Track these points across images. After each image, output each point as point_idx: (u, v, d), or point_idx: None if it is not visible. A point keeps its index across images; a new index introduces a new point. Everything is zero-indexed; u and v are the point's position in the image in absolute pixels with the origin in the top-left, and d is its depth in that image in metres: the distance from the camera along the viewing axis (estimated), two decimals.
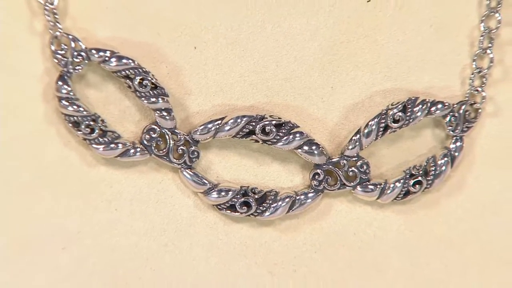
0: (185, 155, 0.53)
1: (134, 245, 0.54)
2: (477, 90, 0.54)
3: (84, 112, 0.52)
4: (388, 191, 0.54)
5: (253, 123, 0.52)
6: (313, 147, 0.53)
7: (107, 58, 0.51)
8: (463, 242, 0.56)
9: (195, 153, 0.53)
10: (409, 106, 0.53)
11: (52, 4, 0.51)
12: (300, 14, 0.54)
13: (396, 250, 0.56)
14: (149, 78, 0.52)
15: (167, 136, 0.53)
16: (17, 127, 0.52)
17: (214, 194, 0.53)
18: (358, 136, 0.53)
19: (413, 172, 0.54)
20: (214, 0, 0.55)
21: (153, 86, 0.52)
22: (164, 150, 0.53)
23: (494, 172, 0.56)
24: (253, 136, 0.53)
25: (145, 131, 0.53)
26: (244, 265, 0.55)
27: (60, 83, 0.51)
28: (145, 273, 0.54)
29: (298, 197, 0.54)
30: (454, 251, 0.56)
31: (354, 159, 0.54)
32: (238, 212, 0.54)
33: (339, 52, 0.54)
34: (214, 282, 0.56)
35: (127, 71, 0.51)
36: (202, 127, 0.52)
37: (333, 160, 0.54)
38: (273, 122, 0.52)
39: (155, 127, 0.53)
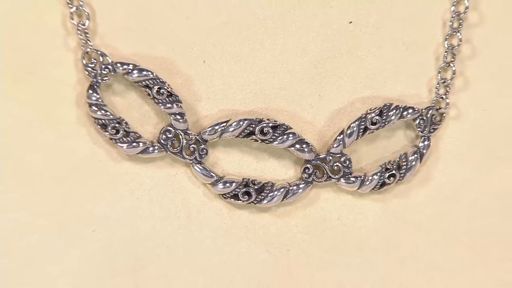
0: (195, 152, 0.56)
1: (153, 228, 0.57)
2: (442, 98, 0.57)
3: (111, 116, 0.55)
4: (367, 183, 0.57)
5: (253, 125, 0.55)
6: (304, 146, 0.56)
7: (130, 70, 0.54)
8: (429, 225, 0.58)
9: (204, 150, 0.56)
10: (385, 111, 0.56)
11: (83, 25, 0.54)
12: (293, 34, 0.56)
13: (373, 232, 0.58)
14: (165, 87, 0.54)
15: (180, 136, 0.55)
16: (55, 128, 0.55)
17: (220, 185, 0.56)
18: (341, 136, 0.56)
19: (388, 167, 0.57)
20: (220, 22, 0.56)
21: (168, 94, 0.54)
22: (178, 148, 0.55)
23: (455, 166, 0.58)
24: (253, 136, 0.55)
25: (162, 132, 0.55)
26: (245, 245, 0.58)
27: (90, 91, 0.54)
28: (162, 251, 0.57)
29: (291, 188, 0.57)
30: (422, 233, 0.58)
31: (338, 155, 0.56)
32: (240, 200, 0.56)
33: (325, 66, 0.56)
34: (219, 259, 0.57)
35: (146, 81, 0.54)
36: (210, 128, 0.55)
37: (320, 156, 0.56)
38: (270, 124, 0.55)
39: (171, 128, 0.55)
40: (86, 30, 0.54)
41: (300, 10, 0.55)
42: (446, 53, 0.57)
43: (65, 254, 0.56)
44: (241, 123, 0.55)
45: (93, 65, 0.54)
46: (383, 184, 0.57)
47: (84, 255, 0.56)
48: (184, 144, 0.56)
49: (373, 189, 0.57)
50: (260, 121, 0.55)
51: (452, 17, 0.57)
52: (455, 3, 0.57)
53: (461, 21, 0.57)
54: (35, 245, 0.56)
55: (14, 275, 0.55)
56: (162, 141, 0.55)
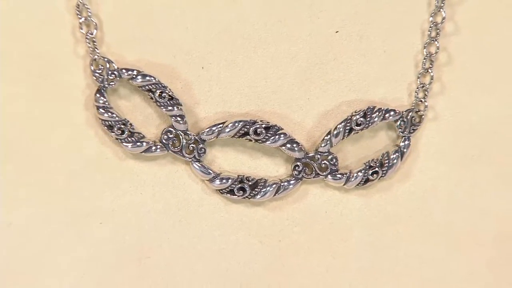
0: (194, 151, 0.57)
1: (155, 221, 0.58)
2: (421, 101, 0.58)
3: (117, 118, 0.56)
4: (352, 179, 0.58)
5: (247, 126, 0.56)
6: (294, 145, 0.57)
7: (134, 76, 0.55)
8: (409, 218, 0.59)
9: (203, 149, 0.57)
10: (368, 113, 0.57)
11: (92, 34, 0.55)
12: (283, 42, 0.57)
13: (357, 224, 0.59)
14: (167, 91, 0.55)
15: (181, 137, 0.56)
16: (66, 128, 0.56)
17: (217, 181, 0.57)
18: (329, 136, 0.57)
19: (371, 164, 0.58)
20: (217, 31, 0.57)
21: (170, 97, 0.55)
22: (179, 147, 0.56)
23: (433, 164, 0.59)
24: (248, 136, 0.56)
25: (163, 132, 0.56)
26: (241, 236, 0.59)
27: (98, 95, 0.55)
28: (164, 242, 0.58)
29: (282, 184, 0.58)
30: (402, 225, 0.59)
31: (325, 154, 0.57)
32: (236, 195, 0.57)
33: (313, 72, 0.57)
34: (216, 249, 0.58)
35: (149, 86, 0.55)
36: (208, 129, 0.56)
37: (309, 155, 0.57)
38: (263, 126, 0.56)
39: (172, 129, 0.56)
40: (94, 39, 0.55)
41: (290, 21, 0.56)
42: (424, 60, 0.58)
43: (75, 244, 0.57)
44: (236, 124, 0.56)
45: (100, 71, 0.55)
46: (367, 181, 0.58)
47: (93, 245, 0.57)
48: (184, 143, 0.57)
49: (357, 185, 0.58)
50: (254, 122, 0.56)
51: (430, 27, 0.57)
52: (432, 14, 0.57)
53: (438, 30, 0.58)
54: (49, 236, 0.56)
55: (31, 263, 0.56)
56: (164, 141, 0.56)
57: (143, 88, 0.55)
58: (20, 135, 0.56)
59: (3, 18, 0.54)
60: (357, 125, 0.57)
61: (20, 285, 0.57)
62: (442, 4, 0.57)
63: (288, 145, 0.57)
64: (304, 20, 0.57)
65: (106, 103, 0.55)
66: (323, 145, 0.57)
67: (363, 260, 0.60)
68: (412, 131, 0.58)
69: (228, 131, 0.56)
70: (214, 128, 0.56)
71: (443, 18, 0.57)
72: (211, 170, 0.57)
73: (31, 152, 0.56)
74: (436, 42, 0.58)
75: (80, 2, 0.55)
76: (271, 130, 0.56)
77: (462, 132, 0.59)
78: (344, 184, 0.58)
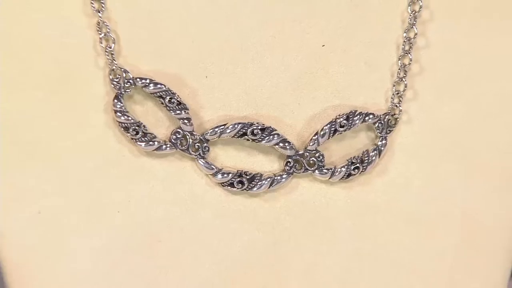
0: (199, 149, 0.59)
1: (165, 210, 0.60)
2: (396, 106, 0.61)
3: (132, 120, 0.58)
4: (336, 173, 0.60)
5: (245, 128, 0.58)
6: (286, 144, 0.59)
7: (147, 84, 0.57)
8: (386, 208, 0.62)
9: (206, 148, 0.59)
10: (351, 116, 0.59)
11: (110, 47, 0.57)
12: (277, 54, 0.59)
13: (341, 213, 0.62)
14: (175, 97, 0.58)
15: (187, 137, 0.59)
16: (87, 130, 0.58)
17: (219, 176, 0.59)
18: (316, 136, 0.59)
19: (353, 161, 0.61)
20: (218, 45, 0.58)
21: (178, 102, 0.58)
22: (186, 146, 0.59)
23: (406, 161, 0.62)
24: (246, 136, 0.58)
25: (172, 133, 0.59)
26: (239, 224, 0.61)
27: (115, 100, 0.58)
28: (173, 229, 0.60)
29: (276, 178, 0.60)
30: (380, 214, 0.62)
31: (313, 152, 0.60)
32: (235, 188, 0.59)
33: (303, 80, 0.60)
34: (218, 236, 0.60)
35: (160, 93, 0.57)
36: (211, 130, 0.58)
37: (299, 152, 0.60)
38: (259, 127, 0.58)
39: (180, 130, 0.59)
40: (112, 52, 0.57)
41: (283, 36, 0.59)
42: (399, 70, 0.60)
43: (96, 230, 0.59)
44: (236, 126, 0.58)
45: (117, 80, 0.57)
46: (349, 175, 0.60)
47: (111, 231, 0.59)
48: (190, 142, 0.59)
49: (341, 178, 0.60)
50: (251, 124, 0.58)
51: (404, 42, 0.59)
52: (406, 30, 0.59)
53: (411, 45, 0.60)
54: (73, 223, 0.59)
55: (57, 247, 0.59)
56: (173, 141, 0.59)
57: (155, 94, 0.58)
58: (48, 134, 0.58)
59: (35, 35, 0.57)
60: (341, 126, 0.59)
61: (48, 267, 0.59)
62: (414, 22, 0.59)
63: (281, 144, 0.59)
64: (295, 35, 0.59)
65: (123, 108, 0.58)
66: (311, 144, 0.59)
67: (347, 244, 0.62)
68: (388, 132, 0.61)
69: (229, 132, 0.58)
70: (216, 129, 0.58)
71: (415, 34, 0.59)
72: (214, 166, 0.59)
73: (58, 149, 0.58)
74: (409, 55, 0.60)
75: (100, 20, 0.57)
76: (266, 131, 0.59)
77: (431, 133, 0.61)
78: (329, 178, 0.60)
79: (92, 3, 0.57)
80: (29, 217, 0.58)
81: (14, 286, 0.59)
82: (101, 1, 0.57)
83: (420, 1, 0.59)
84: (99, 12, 0.57)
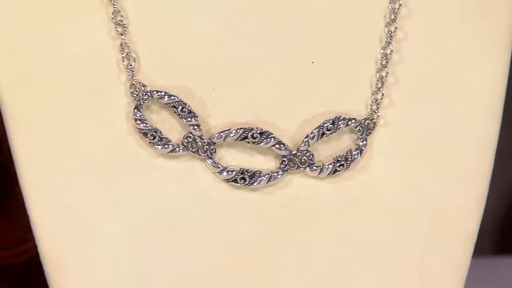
0: (207, 151, 0.61)
1: (178, 204, 0.62)
2: (375, 112, 0.63)
3: (150, 127, 0.60)
4: (325, 170, 0.62)
5: (246, 132, 0.60)
6: (281, 145, 0.61)
7: (162, 96, 0.59)
8: (368, 200, 0.64)
9: (214, 149, 0.61)
10: (336, 121, 0.61)
11: (131, 65, 0.59)
12: (274, 69, 0.62)
13: (329, 204, 0.64)
14: (187, 107, 0.59)
15: (197, 140, 0.60)
16: (111, 135, 0.61)
17: (225, 173, 0.61)
18: (307, 139, 0.61)
19: (338, 159, 0.62)
20: (223, 64, 0.61)
21: (188, 111, 0.59)
22: (196, 148, 0.61)
23: (384, 159, 0.64)
24: (247, 139, 0.60)
25: (184, 137, 0.61)
26: (241, 215, 0.63)
27: (135, 110, 0.60)
28: (184, 219, 0.62)
29: (273, 174, 0.62)
30: (362, 205, 0.64)
31: (305, 152, 0.62)
32: (238, 183, 0.61)
33: (296, 92, 0.62)
34: (223, 225, 0.62)
35: (174, 103, 0.59)
36: (217, 134, 0.60)
37: (292, 152, 0.62)
38: (258, 131, 0.60)
39: (190, 135, 0.60)
40: (132, 69, 0.59)
41: (278, 53, 0.61)
42: (377, 82, 0.62)
43: (120, 220, 0.61)
44: (238, 130, 0.60)
45: (137, 93, 0.59)
46: (335, 171, 0.62)
47: (132, 220, 0.61)
48: (200, 145, 0.60)
49: (328, 174, 0.62)
50: (251, 129, 0.60)
51: (381, 57, 0.62)
52: (383, 48, 0.62)
53: (387, 60, 0.62)
54: (99, 215, 0.61)
55: (86, 235, 0.61)
56: (185, 144, 0.60)
57: (169, 104, 0.59)
58: (78, 138, 0.60)
59: (69, 54, 0.59)
60: (328, 130, 0.61)
61: (80, 252, 0.61)
62: (391, 41, 0.62)
63: (277, 146, 0.61)
64: (289, 54, 0.61)
65: (142, 116, 0.60)
66: (302, 145, 0.61)
67: (334, 232, 0.63)
68: (368, 134, 0.62)
69: (232, 136, 0.60)
70: (222, 134, 0.60)
71: (391, 51, 0.62)
72: (220, 165, 0.61)
73: (87, 151, 0.60)
74: (386, 69, 0.62)
75: (123, 42, 0.59)
76: (264, 134, 0.60)
77: (405, 135, 0.63)
78: (318, 174, 0.62)
79: (116, 28, 0.59)
80: (62, 210, 0.60)
81: (51, 270, 0.61)
82: (124, 26, 0.59)
83: (395, 23, 0.61)
84: (122, 35, 0.59)
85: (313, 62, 0.62)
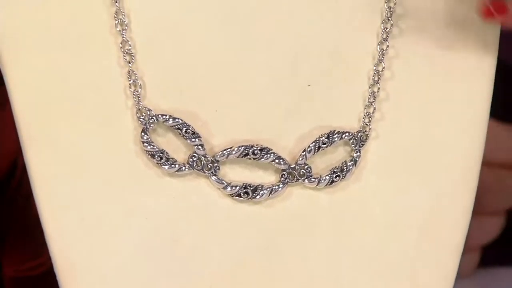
0: (212, 168, 0.62)
1: (184, 217, 0.63)
2: (367, 125, 0.64)
3: (156, 149, 0.61)
4: (322, 181, 0.63)
5: (248, 149, 0.62)
6: (280, 160, 0.63)
7: (167, 119, 0.61)
8: (360, 209, 0.65)
9: (217, 167, 0.62)
10: (331, 135, 0.63)
11: (138, 92, 0.61)
12: (273, 92, 0.64)
13: (326, 213, 0.65)
14: (190, 129, 0.61)
15: (202, 159, 0.62)
16: (121, 157, 0.62)
17: (228, 188, 0.62)
18: (304, 153, 0.63)
19: (335, 170, 0.64)
20: (225, 85, 0.63)
21: (192, 132, 0.61)
22: (200, 166, 0.62)
23: (376, 169, 0.65)
24: (248, 156, 0.62)
25: (189, 157, 0.62)
26: (245, 226, 0.64)
27: (142, 133, 0.61)
28: (190, 231, 0.64)
29: (274, 187, 0.63)
30: (356, 214, 0.65)
31: (303, 165, 0.63)
32: (242, 197, 0.63)
33: (294, 111, 0.64)
34: (228, 235, 0.64)
35: (178, 126, 0.61)
36: (220, 153, 0.62)
37: (291, 166, 0.63)
38: (258, 148, 0.62)
39: (195, 154, 0.62)
40: (139, 95, 0.61)
41: (277, 76, 0.64)
42: (369, 97, 0.64)
43: (129, 234, 0.63)
44: (240, 148, 0.62)
45: (143, 117, 0.61)
46: (332, 182, 0.64)
47: (141, 233, 0.63)
48: (204, 163, 0.62)
49: (325, 185, 0.63)
50: (252, 146, 0.62)
51: (374, 74, 0.64)
52: (376, 65, 0.64)
53: (379, 76, 0.64)
54: (110, 229, 0.62)
55: (97, 248, 0.62)
56: (190, 163, 0.62)
57: (174, 127, 0.61)
58: (90, 160, 0.62)
59: (80, 81, 0.61)
60: (323, 144, 0.63)
61: (91, 264, 0.62)
62: (382, 58, 0.64)
63: (276, 161, 0.63)
64: (287, 77, 0.64)
65: (149, 139, 0.61)
66: (300, 159, 0.63)
67: (329, 240, 0.65)
68: (361, 145, 0.64)
69: (234, 153, 0.62)
70: (224, 152, 0.62)
71: (383, 68, 0.64)
72: (224, 181, 0.62)
73: (98, 170, 0.62)
74: (378, 84, 0.64)
75: (130, 70, 0.61)
76: (264, 151, 0.62)
77: (396, 147, 0.65)
78: (316, 185, 0.63)
79: (124, 56, 0.61)
80: (75, 224, 0.61)
81: (65, 282, 0.62)
82: (132, 54, 0.61)
83: (387, 42, 0.64)
84: (129, 63, 0.61)
85: (309, 85, 0.64)
